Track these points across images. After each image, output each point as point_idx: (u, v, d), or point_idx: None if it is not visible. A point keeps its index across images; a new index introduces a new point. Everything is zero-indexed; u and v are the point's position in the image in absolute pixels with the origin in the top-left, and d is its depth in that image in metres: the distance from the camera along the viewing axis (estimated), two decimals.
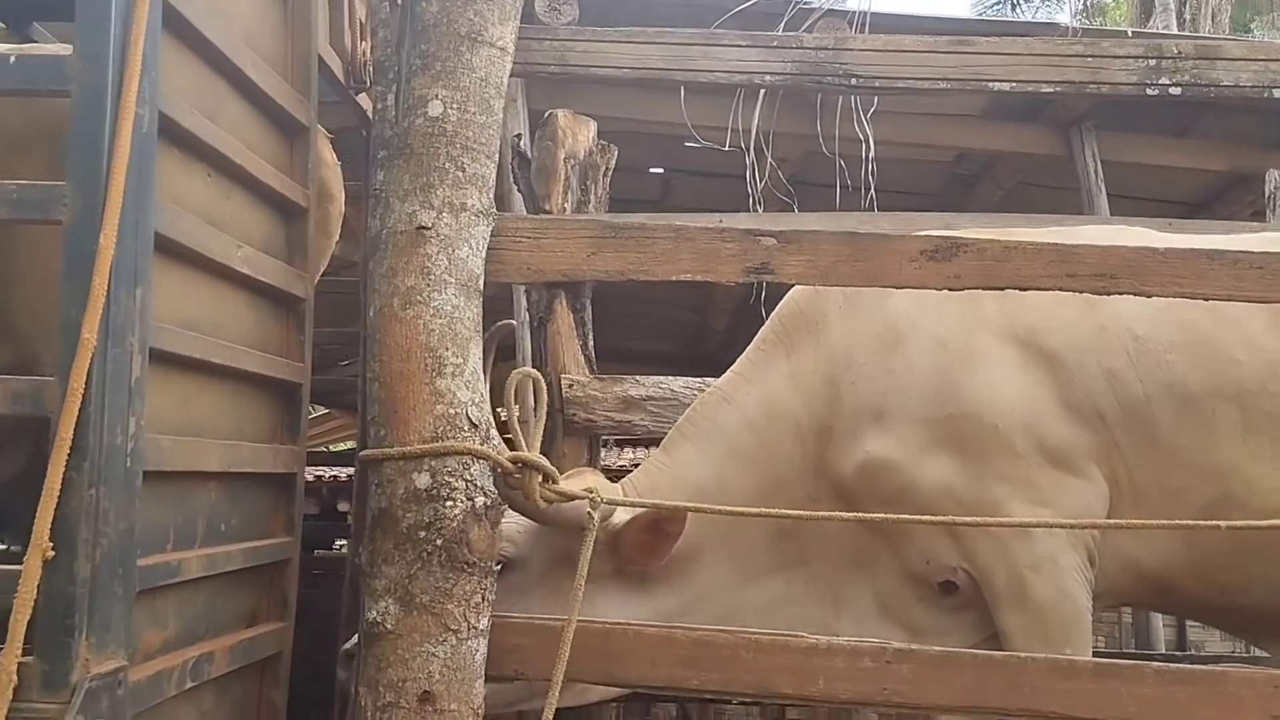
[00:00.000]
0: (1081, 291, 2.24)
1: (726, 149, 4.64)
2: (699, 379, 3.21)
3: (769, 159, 4.70)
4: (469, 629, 2.08)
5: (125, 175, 1.71)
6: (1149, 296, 2.23)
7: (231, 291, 2.30)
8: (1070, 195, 5.16)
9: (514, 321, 2.97)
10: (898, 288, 2.35)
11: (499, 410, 2.22)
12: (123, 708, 1.74)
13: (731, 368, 2.80)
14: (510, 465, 2.21)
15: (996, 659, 2.13)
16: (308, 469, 7.26)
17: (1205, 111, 5.10)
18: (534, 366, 3.40)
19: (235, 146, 2.25)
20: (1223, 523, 2.15)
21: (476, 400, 2.17)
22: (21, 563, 1.60)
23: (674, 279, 2.33)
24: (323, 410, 10.59)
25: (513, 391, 2.19)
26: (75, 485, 1.65)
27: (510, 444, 2.23)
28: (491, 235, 2.29)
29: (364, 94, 3.36)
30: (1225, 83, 2.94)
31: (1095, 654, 2.56)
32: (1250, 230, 3.77)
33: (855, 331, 2.63)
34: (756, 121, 4.57)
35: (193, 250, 2.05)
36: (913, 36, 3.30)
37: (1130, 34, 4.99)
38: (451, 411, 2.13)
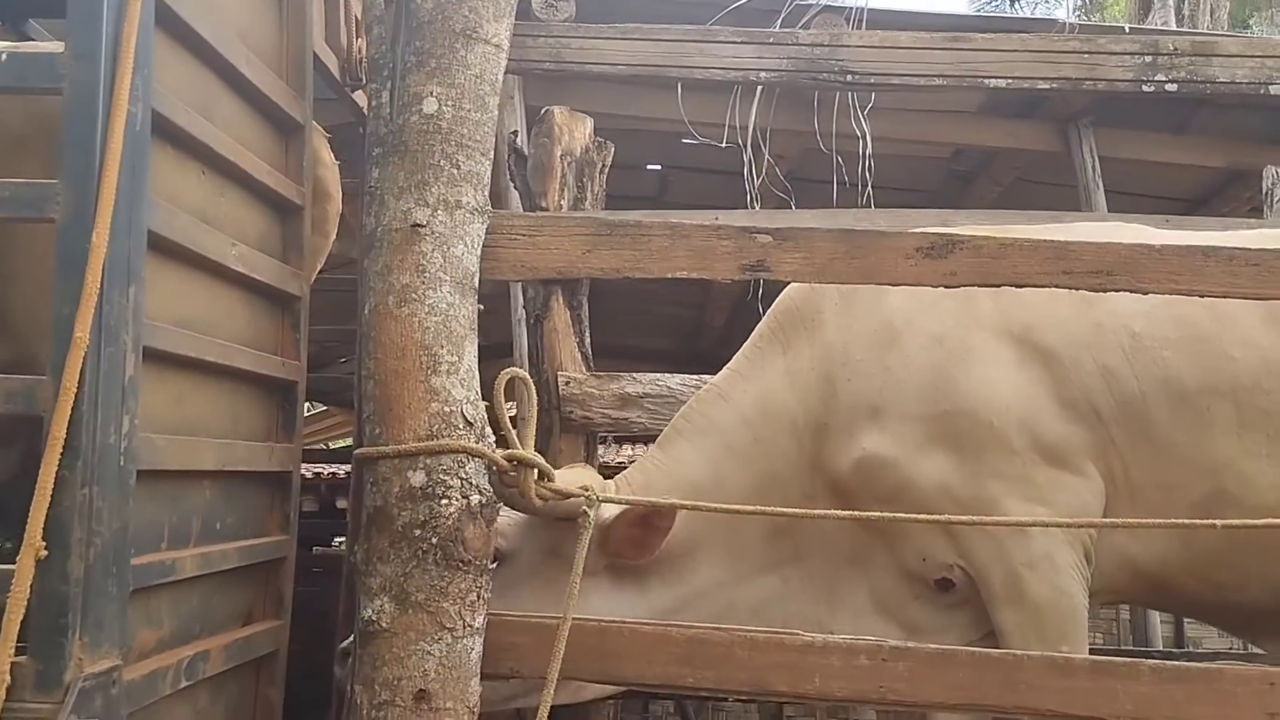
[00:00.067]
0: (1077, 288, 2.24)
1: (724, 146, 4.63)
2: (696, 376, 3.20)
3: (766, 156, 4.70)
4: (464, 627, 2.07)
5: (118, 173, 1.71)
6: (1145, 293, 2.23)
7: (226, 289, 2.30)
8: (1068, 192, 5.16)
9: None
10: (894, 285, 2.35)
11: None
12: (117, 707, 1.74)
13: (728, 365, 2.80)
14: (505, 463, 2.21)
15: (993, 657, 2.13)
16: (306, 465, 7.29)
17: (1202, 108, 5.10)
18: (530, 364, 3.40)
19: (229, 144, 2.24)
20: (1219, 522, 2.16)
21: (471, 398, 2.17)
22: (14, 562, 1.60)
23: (670, 276, 2.33)
24: (321, 407, 10.59)
25: (502, 389, 2.19)
26: (68, 484, 1.64)
27: (503, 440, 2.23)
28: (487, 233, 2.29)
29: (360, 91, 3.35)
30: (1222, 79, 2.93)
31: (1092, 651, 2.56)
32: (1247, 227, 3.77)
33: (851, 329, 2.63)
34: (754, 118, 4.56)
35: (187, 248, 2.05)
36: (909, 33, 3.29)
37: (1128, 30, 5.00)
38: (446, 409, 2.13)
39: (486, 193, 2.30)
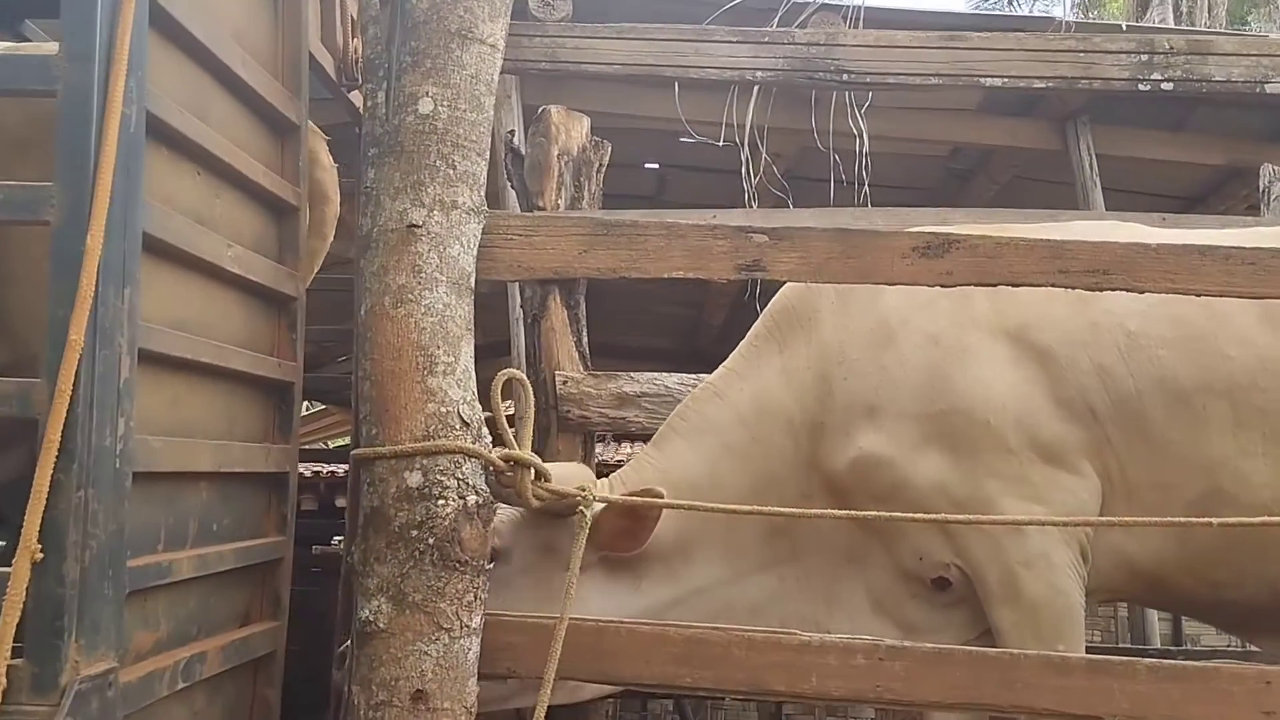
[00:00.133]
0: (1074, 288, 2.24)
1: (721, 144, 4.63)
2: (693, 375, 3.20)
3: (764, 154, 4.69)
4: (461, 627, 2.08)
5: (112, 175, 1.70)
6: (1141, 292, 2.23)
7: (222, 291, 2.30)
8: (1065, 190, 5.16)
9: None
10: (890, 284, 2.35)
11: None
12: (113, 709, 1.74)
13: (724, 364, 2.80)
14: (502, 463, 2.21)
15: (989, 656, 2.13)
16: (305, 464, 7.27)
17: (1200, 105, 5.10)
18: (528, 363, 3.40)
19: (224, 145, 2.24)
20: (1215, 519, 2.16)
21: (468, 399, 2.17)
22: (10, 565, 1.60)
23: (666, 276, 2.33)
24: (320, 406, 10.58)
25: (499, 389, 2.19)
26: (64, 487, 1.64)
27: (500, 440, 2.23)
28: (483, 233, 2.29)
29: (355, 91, 3.34)
30: (1217, 78, 2.93)
31: (1091, 649, 2.57)
32: (1244, 225, 3.77)
33: (848, 327, 2.63)
34: (751, 117, 4.56)
35: (182, 250, 2.05)
36: (905, 32, 3.29)
37: (1124, 27, 5.00)
38: (443, 410, 2.13)
39: (482, 193, 2.30)
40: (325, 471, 7.37)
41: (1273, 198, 4.05)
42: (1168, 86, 2.94)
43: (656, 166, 6.05)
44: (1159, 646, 5.30)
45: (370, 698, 2.04)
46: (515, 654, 2.16)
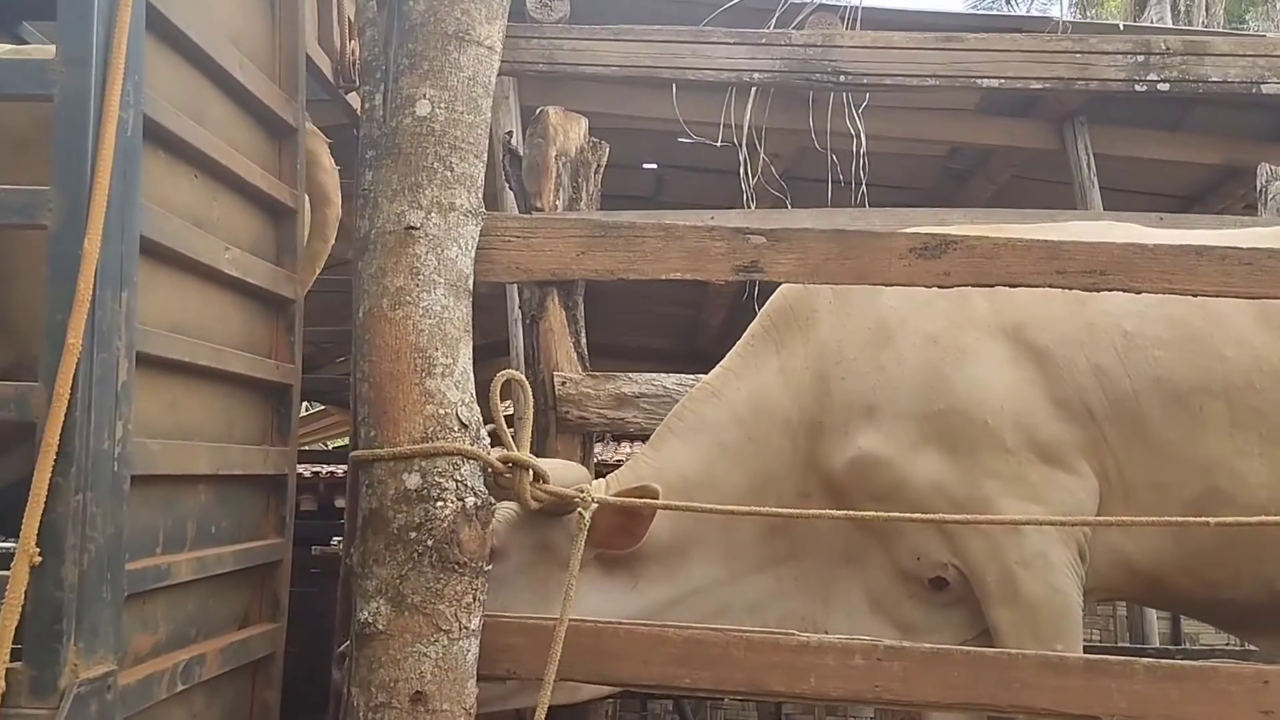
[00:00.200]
0: (1071, 288, 2.24)
1: (719, 145, 4.63)
2: (691, 375, 3.20)
3: (762, 155, 4.69)
4: (460, 629, 2.08)
5: (110, 179, 1.71)
6: (1139, 293, 2.24)
7: (220, 294, 2.30)
8: (1063, 189, 5.16)
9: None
10: (887, 285, 2.36)
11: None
12: (112, 712, 1.74)
13: (721, 363, 2.80)
14: (500, 465, 2.21)
15: (987, 656, 2.14)
16: (305, 465, 7.26)
17: (1197, 105, 5.10)
18: (526, 364, 3.40)
19: (222, 148, 2.24)
20: (1212, 519, 2.16)
21: (466, 400, 2.17)
22: (9, 568, 1.60)
23: (664, 278, 2.33)
24: (319, 407, 10.59)
25: (497, 391, 2.19)
26: (62, 491, 1.65)
27: (496, 440, 2.23)
28: (481, 235, 2.29)
29: (354, 93, 3.35)
30: (1214, 78, 2.94)
31: (1089, 648, 2.57)
32: (1241, 224, 3.78)
33: (845, 327, 2.63)
34: (749, 117, 4.56)
35: (179, 253, 2.05)
36: (902, 33, 3.30)
37: (1122, 27, 5.00)
38: (441, 412, 2.13)
39: (480, 195, 2.30)
40: (324, 472, 7.37)
41: (1270, 197, 4.05)
42: (1164, 87, 2.94)
43: (654, 167, 6.05)
44: (1158, 645, 5.30)
45: (369, 699, 2.04)
46: (514, 655, 2.16)
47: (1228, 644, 5.84)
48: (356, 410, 2.23)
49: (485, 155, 2.31)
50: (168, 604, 2.06)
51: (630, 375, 3.27)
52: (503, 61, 2.41)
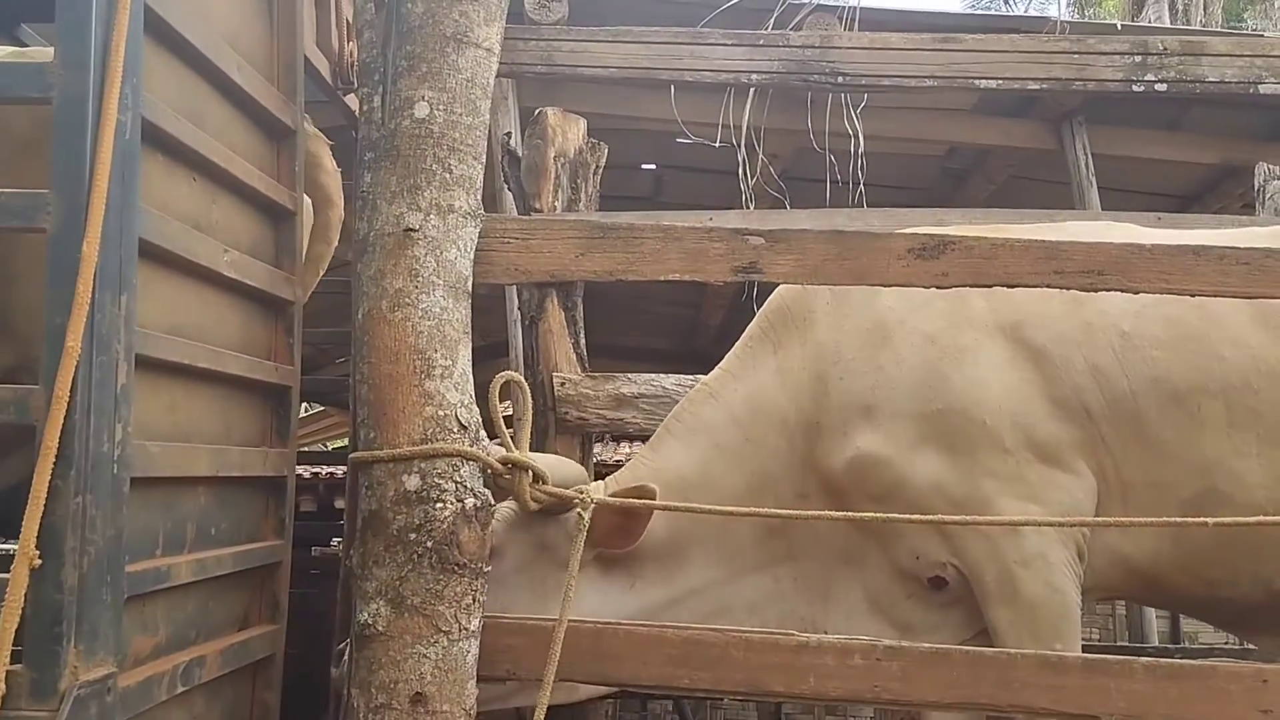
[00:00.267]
0: (1069, 288, 2.25)
1: (718, 145, 4.63)
2: (691, 376, 3.21)
3: (760, 155, 4.70)
4: (460, 630, 2.08)
5: (108, 182, 1.71)
6: (1136, 293, 2.24)
7: (219, 296, 2.30)
8: (1062, 189, 5.17)
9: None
10: (885, 286, 2.36)
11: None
12: (112, 714, 1.74)
13: (719, 365, 2.81)
14: (500, 466, 2.22)
15: (986, 655, 2.14)
16: (305, 466, 7.27)
17: (1195, 105, 5.11)
18: (526, 365, 3.40)
19: (220, 151, 2.24)
20: (1210, 519, 2.17)
21: (466, 402, 2.17)
22: (9, 571, 1.60)
23: (662, 279, 2.33)
24: (319, 408, 10.59)
25: (497, 392, 2.19)
26: (61, 493, 1.65)
27: (496, 441, 2.23)
28: (479, 236, 2.29)
29: (352, 95, 3.35)
30: (1211, 79, 2.94)
31: (1089, 647, 2.57)
32: (1239, 224, 3.78)
33: (843, 328, 2.63)
34: (747, 118, 4.56)
35: (178, 256, 2.05)
36: (899, 34, 3.30)
37: (1119, 27, 5.00)
38: (441, 413, 2.13)
39: (479, 196, 2.30)
40: (324, 473, 7.38)
41: (1268, 196, 4.06)
42: (1162, 88, 2.94)
43: (653, 168, 6.05)
44: (1156, 644, 5.31)
45: (369, 700, 2.05)
46: (514, 656, 2.16)
47: (1227, 643, 5.84)
48: (356, 412, 2.24)
49: (484, 157, 2.31)
50: (168, 606, 2.06)
51: (629, 376, 3.27)
52: (501, 63, 2.41)
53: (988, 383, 2.49)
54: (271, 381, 2.52)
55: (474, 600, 2.11)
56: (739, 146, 4.59)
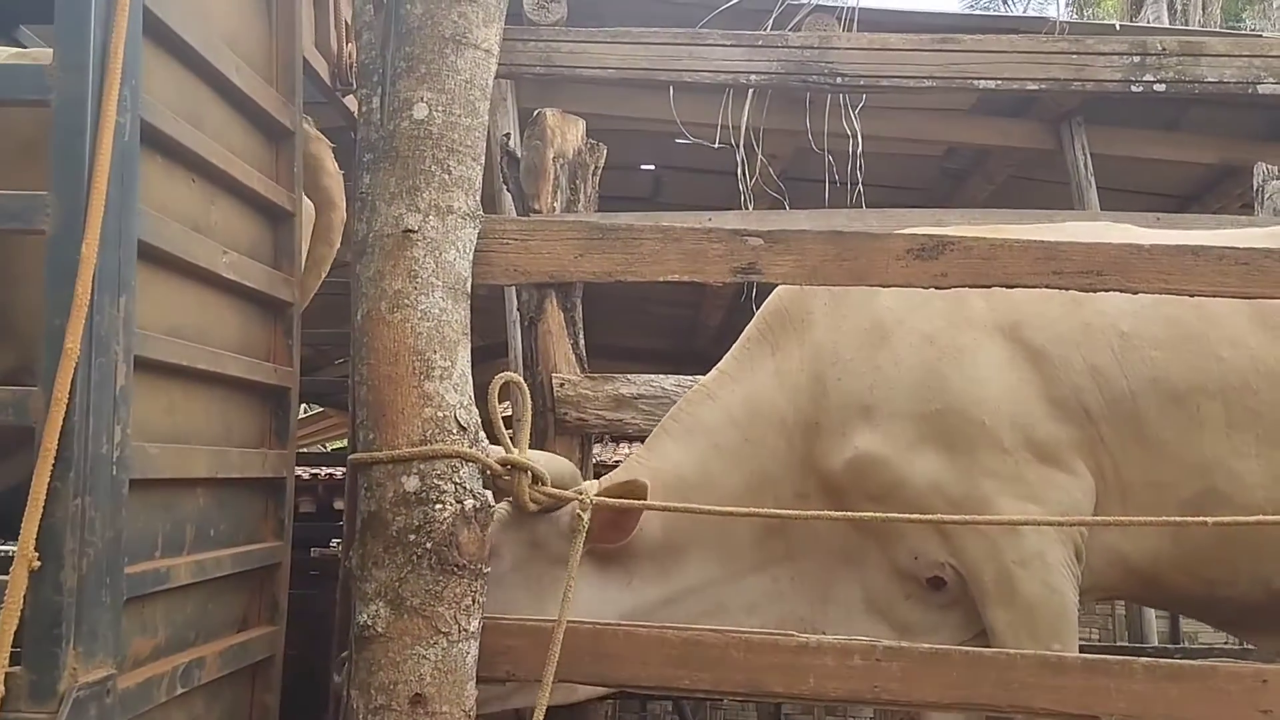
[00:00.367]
0: (1068, 289, 2.25)
1: (716, 146, 4.63)
2: (690, 377, 3.21)
3: (759, 156, 4.70)
4: (460, 631, 2.08)
5: (107, 184, 1.71)
6: (1135, 293, 2.24)
7: (217, 297, 2.30)
8: (1061, 189, 5.17)
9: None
10: (885, 286, 2.36)
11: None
12: (111, 716, 1.74)
13: (716, 366, 2.81)
14: (499, 467, 2.22)
15: (986, 656, 2.14)
16: (304, 467, 7.25)
17: (1194, 105, 5.11)
18: (525, 366, 3.41)
19: (219, 152, 2.24)
20: (1210, 519, 2.17)
21: (465, 403, 2.17)
22: (8, 573, 1.60)
23: (661, 280, 2.34)
24: (318, 409, 10.58)
25: (496, 393, 2.19)
26: (60, 495, 1.65)
27: (495, 442, 2.23)
28: (479, 237, 2.29)
29: (351, 96, 3.35)
30: (1210, 79, 2.94)
31: (1089, 647, 2.57)
32: (1236, 224, 3.78)
33: (841, 328, 2.64)
34: (746, 118, 4.56)
35: (177, 257, 2.05)
36: (898, 35, 3.30)
37: (1118, 27, 5.01)
38: (440, 414, 2.13)
39: (478, 197, 2.31)
40: (323, 474, 7.37)
41: (1266, 196, 4.06)
42: (1160, 88, 2.95)
43: (652, 168, 6.05)
44: (1156, 644, 5.31)
45: (369, 702, 2.05)
46: (514, 657, 2.16)
47: (1226, 643, 5.84)
48: (355, 413, 2.24)
49: (483, 158, 2.31)
50: (167, 607, 2.06)
51: (628, 377, 3.27)
52: (500, 64, 2.41)
53: (986, 383, 2.49)
54: (270, 383, 2.52)
55: (473, 601, 2.11)
56: (738, 147, 4.59)
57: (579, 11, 4.12)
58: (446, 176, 2.23)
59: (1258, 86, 2.96)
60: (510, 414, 3.16)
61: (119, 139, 1.75)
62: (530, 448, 2.38)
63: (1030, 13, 13.27)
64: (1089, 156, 4.95)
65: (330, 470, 7.47)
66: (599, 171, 3.47)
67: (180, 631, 2.12)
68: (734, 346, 2.82)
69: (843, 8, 4.50)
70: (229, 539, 2.32)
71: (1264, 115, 5.18)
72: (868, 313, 2.62)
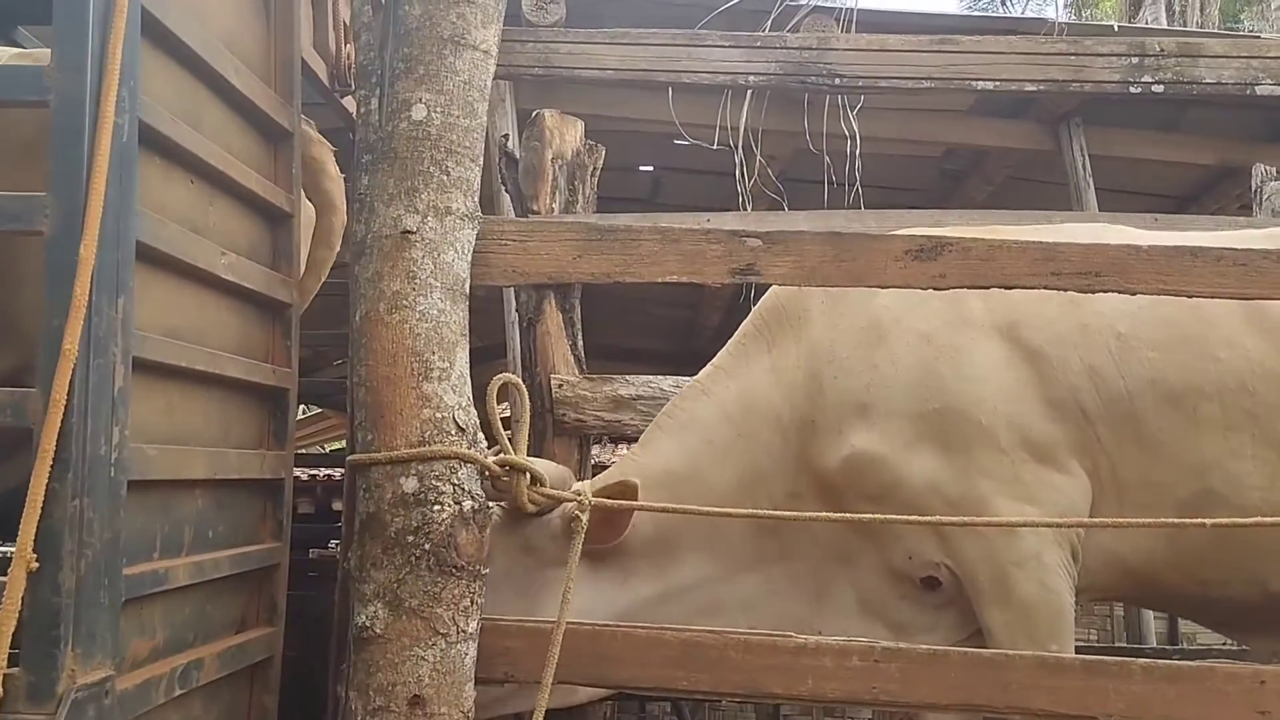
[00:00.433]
0: (1066, 290, 2.25)
1: (715, 147, 4.64)
2: (688, 377, 3.21)
3: (758, 157, 4.70)
4: (458, 632, 2.08)
5: (105, 185, 1.71)
6: (1133, 294, 2.24)
7: (216, 298, 2.30)
8: (1059, 190, 5.17)
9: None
10: (883, 288, 2.36)
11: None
12: (110, 717, 1.74)
13: (711, 362, 2.81)
14: (497, 468, 2.22)
15: (984, 657, 2.14)
16: (302, 468, 7.24)
17: (1192, 106, 5.12)
18: (523, 367, 3.40)
19: (217, 153, 2.24)
20: (1209, 520, 2.17)
21: (463, 404, 2.17)
22: (6, 574, 1.60)
23: (660, 281, 2.34)
24: (316, 410, 10.58)
25: (494, 394, 2.19)
26: (59, 496, 1.65)
27: (493, 443, 2.23)
28: (477, 238, 2.29)
29: (349, 97, 3.35)
30: (1208, 80, 2.95)
31: (1087, 648, 2.57)
32: (1235, 225, 3.79)
33: (838, 326, 2.64)
34: (745, 119, 4.57)
35: (175, 258, 2.05)
36: (896, 36, 3.31)
37: (1116, 28, 5.01)
38: (438, 415, 2.13)
39: (476, 198, 2.31)
40: (322, 475, 7.36)
41: (1265, 198, 4.07)
42: (1159, 89, 2.95)
43: (651, 169, 6.06)
44: (1154, 645, 5.31)
45: (367, 703, 2.04)
46: (512, 658, 2.16)
47: (1225, 644, 5.84)
48: (353, 414, 2.24)
49: (481, 159, 2.31)
50: (165, 609, 2.06)
51: (627, 378, 3.27)
52: (498, 65, 2.41)
53: (983, 382, 2.50)
54: (269, 384, 2.52)
55: (472, 602, 2.11)
56: (736, 148, 4.59)
57: (577, 12, 4.12)
58: (445, 177, 2.23)
59: (1256, 88, 2.97)
60: (509, 415, 3.16)
61: (117, 140, 1.75)
62: (529, 449, 2.38)
63: (1028, 14, 13.29)
64: (1087, 157, 4.95)
65: (329, 471, 7.46)
66: (597, 172, 3.47)
67: (179, 633, 2.12)
68: (730, 343, 2.82)
69: (841, 9, 4.51)
70: (227, 540, 2.32)
71: (1262, 116, 5.19)
72: (865, 311, 2.63)
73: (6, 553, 2.37)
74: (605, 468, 4.04)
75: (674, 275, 2.32)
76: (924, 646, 2.17)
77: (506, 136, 4.06)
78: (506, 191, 3.62)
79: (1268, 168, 4.18)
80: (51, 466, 1.63)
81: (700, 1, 4.49)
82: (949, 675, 2.09)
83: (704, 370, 2.80)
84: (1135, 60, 2.95)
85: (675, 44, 3.08)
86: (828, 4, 4.55)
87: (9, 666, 1.59)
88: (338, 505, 6.86)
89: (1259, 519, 2.21)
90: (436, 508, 2.09)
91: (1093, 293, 2.26)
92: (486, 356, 4.44)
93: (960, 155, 5.73)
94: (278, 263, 2.60)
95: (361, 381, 2.17)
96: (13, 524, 1.64)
